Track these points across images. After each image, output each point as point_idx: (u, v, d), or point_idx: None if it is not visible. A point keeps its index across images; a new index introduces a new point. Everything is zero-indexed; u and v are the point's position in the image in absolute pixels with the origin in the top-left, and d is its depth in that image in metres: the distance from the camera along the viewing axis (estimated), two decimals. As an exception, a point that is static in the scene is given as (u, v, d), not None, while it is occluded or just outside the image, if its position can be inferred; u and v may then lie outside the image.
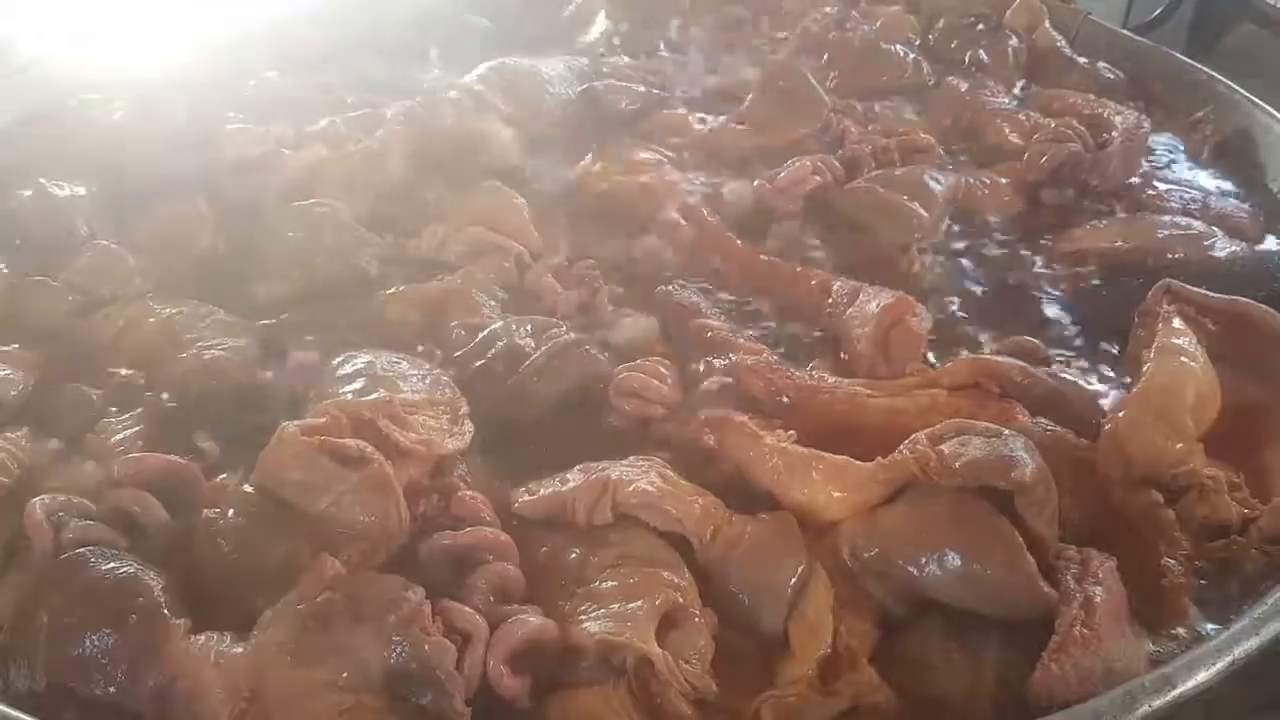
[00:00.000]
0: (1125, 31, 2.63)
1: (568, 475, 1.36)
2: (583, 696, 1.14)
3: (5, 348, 1.58)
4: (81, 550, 1.18)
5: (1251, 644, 1.18)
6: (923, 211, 1.89)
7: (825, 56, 2.43)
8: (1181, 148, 2.25)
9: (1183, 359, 1.43)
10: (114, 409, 1.48)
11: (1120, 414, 1.40)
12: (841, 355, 1.62)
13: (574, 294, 1.73)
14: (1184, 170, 2.18)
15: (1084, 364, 1.65)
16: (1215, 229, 1.91)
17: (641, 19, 2.68)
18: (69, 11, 2.64)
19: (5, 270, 1.73)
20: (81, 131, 2.05)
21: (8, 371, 1.52)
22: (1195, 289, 1.57)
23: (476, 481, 1.37)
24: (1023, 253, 1.91)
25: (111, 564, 1.16)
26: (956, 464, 1.22)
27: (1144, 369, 1.44)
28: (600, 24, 2.57)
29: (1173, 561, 1.32)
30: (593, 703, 1.13)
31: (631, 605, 1.18)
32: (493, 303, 1.70)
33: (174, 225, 1.83)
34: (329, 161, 1.93)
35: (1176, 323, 1.49)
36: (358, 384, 1.39)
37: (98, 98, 2.13)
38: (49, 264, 1.73)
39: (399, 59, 2.44)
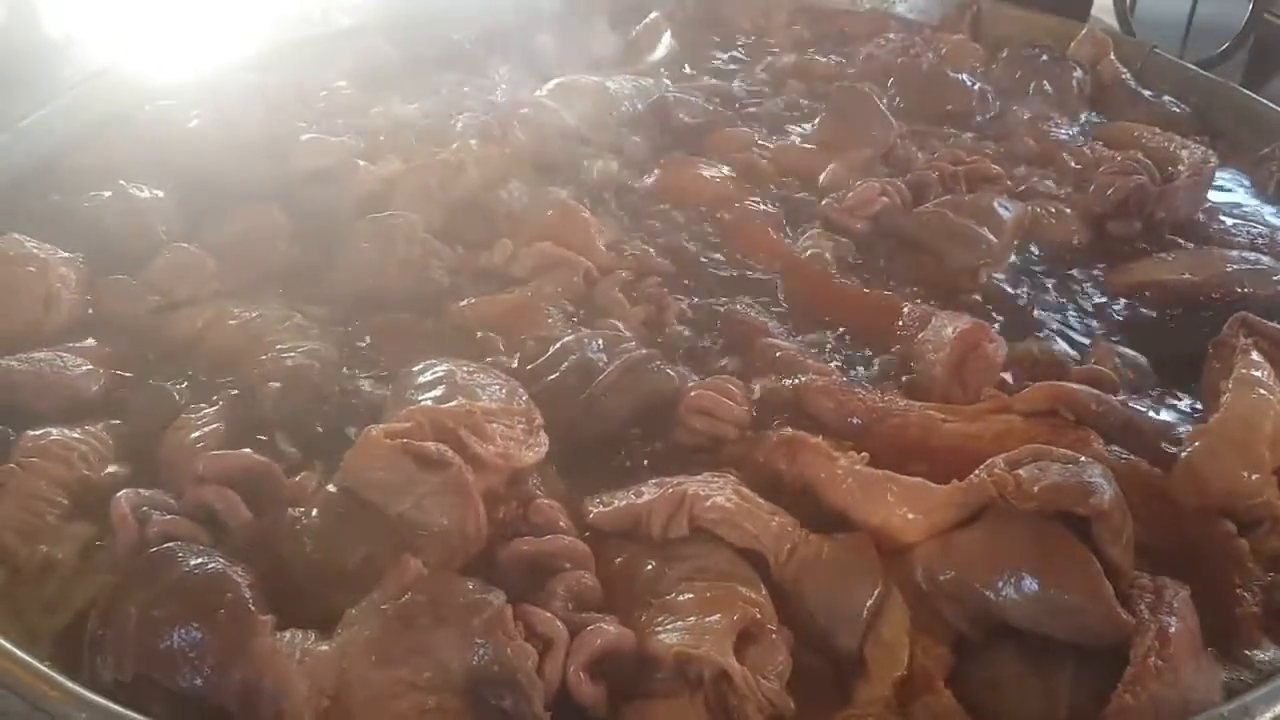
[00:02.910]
0: (1191, 66, 2.62)
1: (642, 488, 1.36)
2: (659, 708, 1.15)
3: (85, 343, 1.61)
4: (170, 545, 1.20)
5: (1332, 676, 1.17)
6: (991, 237, 1.90)
7: (890, 81, 2.44)
8: (1248, 182, 2.25)
9: (1261, 391, 1.43)
10: (194, 406, 1.50)
11: (1197, 444, 1.40)
12: (913, 378, 1.62)
13: (641, 309, 1.75)
14: (1251, 205, 2.18)
15: (1153, 394, 1.65)
16: (1283, 263, 1.91)
17: (707, 40, 2.70)
18: (144, 18, 2.70)
19: (85, 269, 1.75)
20: (159, 136, 2.08)
21: (88, 366, 1.55)
22: (1270, 323, 1.57)
23: (548, 493, 1.38)
24: (1089, 283, 1.91)
25: (199, 559, 1.17)
26: (1035, 488, 1.22)
27: (1221, 400, 1.44)
28: (666, 44, 2.59)
29: (1245, 592, 1.31)
30: (671, 714, 1.14)
31: (709, 619, 1.18)
32: (562, 317, 1.71)
33: (251, 230, 1.85)
34: (403, 174, 1.96)
35: (1255, 355, 1.49)
36: (438, 391, 1.40)
37: (174, 103, 2.17)
38: (128, 264, 1.76)
39: (468, 76, 2.47)
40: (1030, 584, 1.19)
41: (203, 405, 1.49)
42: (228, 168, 2.00)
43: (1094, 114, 2.50)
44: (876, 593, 1.23)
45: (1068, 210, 2.05)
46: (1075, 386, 1.47)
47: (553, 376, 1.53)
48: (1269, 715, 1.12)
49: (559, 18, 2.72)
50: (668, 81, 2.48)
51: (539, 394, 1.49)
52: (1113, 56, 2.60)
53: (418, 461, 1.24)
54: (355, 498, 1.25)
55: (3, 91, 2.47)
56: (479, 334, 1.66)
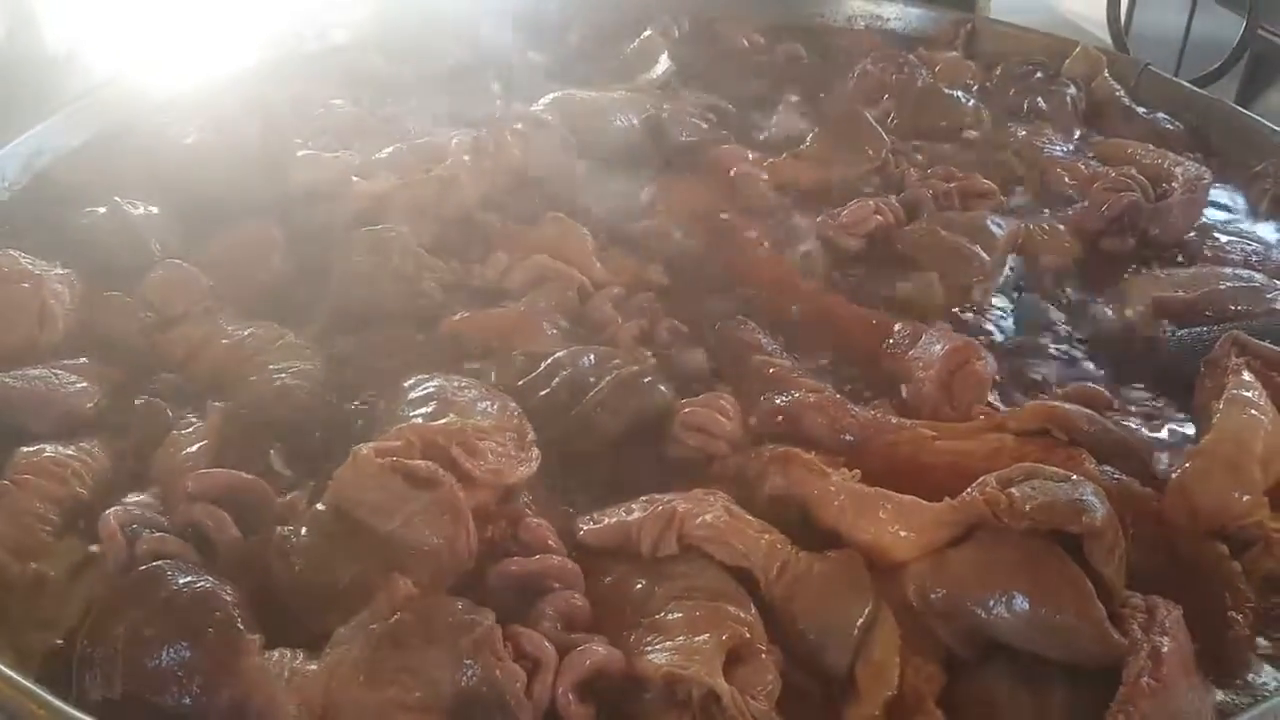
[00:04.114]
0: (1186, 83, 2.63)
1: (632, 506, 1.36)
2: (649, 728, 1.14)
3: (80, 361, 1.60)
4: (158, 563, 1.20)
5: (1323, 698, 1.17)
6: (984, 254, 1.90)
7: (885, 97, 2.45)
8: (1242, 200, 2.25)
9: (1253, 411, 1.43)
10: (185, 423, 1.50)
11: (1188, 464, 1.40)
12: (902, 396, 1.62)
13: (634, 324, 1.75)
14: (1245, 222, 2.18)
15: (1145, 413, 1.65)
16: (1277, 282, 1.91)
17: (703, 58, 2.71)
18: (141, 34, 2.70)
19: (79, 285, 1.75)
20: (155, 152, 2.08)
21: (83, 384, 1.55)
22: (1262, 342, 1.57)
23: (538, 510, 1.38)
24: (1082, 300, 1.91)
25: (188, 578, 1.17)
26: (1028, 507, 1.21)
27: (1213, 419, 1.44)
28: (663, 63, 2.59)
29: (1237, 614, 1.31)
30: (660, 735, 1.13)
31: (698, 638, 1.18)
32: (554, 332, 1.71)
33: (245, 247, 1.86)
34: (398, 189, 1.96)
35: (1246, 375, 1.48)
36: (429, 407, 1.40)
37: (170, 119, 2.17)
38: (122, 280, 1.76)
39: (463, 92, 2.47)
40: (1022, 603, 1.19)
41: (194, 422, 1.49)
42: (223, 183, 2.00)
43: (1088, 131, 2.50)
44: (867, 611, 1.23)
45: (1061, 227, 2.05)
46: (1067, 406, 1.47)
47: (544, 392, 1.53)
48: (1261, 736, 1.12)
49: (555, 34, 2.73)
50: (665, 95, 2.48)
51: (530, 410, 1.49)
52: (1106, 74, 2.59)
53: (408, 480, 1.24)
54: (345, 516, 1.25)
55: (2, 106, 2.47)
56: (471, 349, 1.66)
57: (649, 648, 1.19)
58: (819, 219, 2.01)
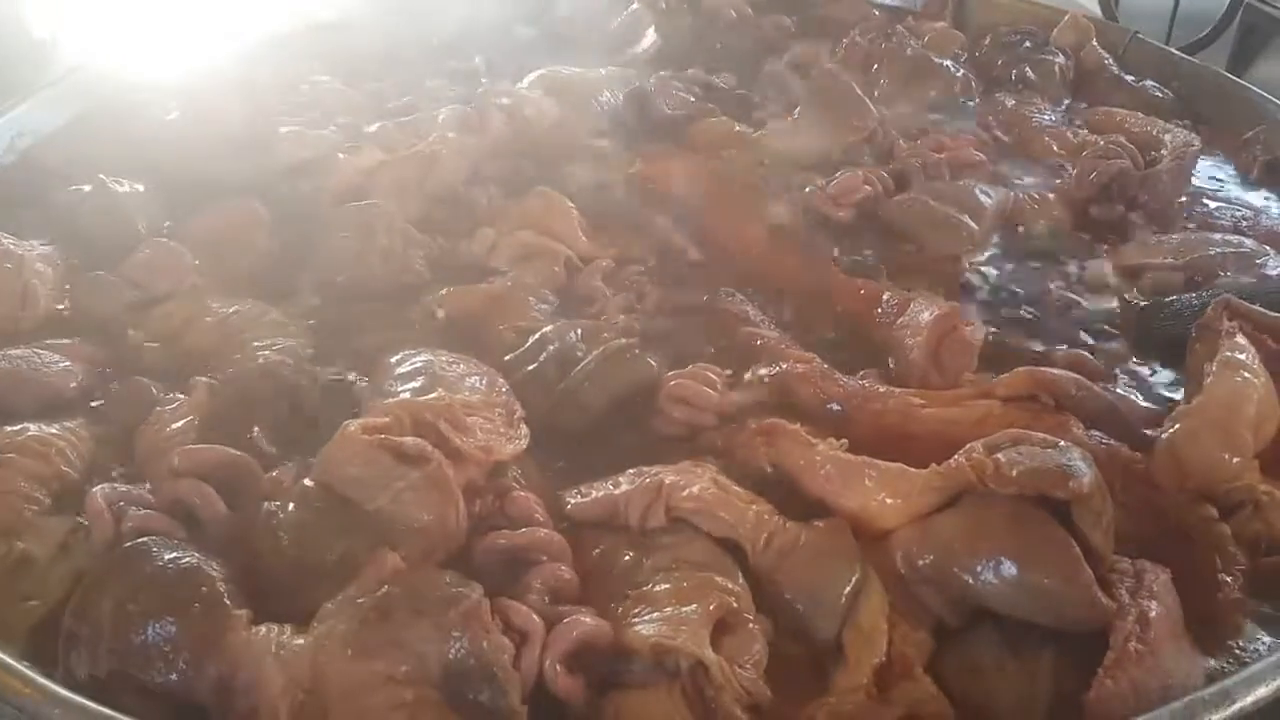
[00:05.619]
0: (1174, 51, 2.62)
1: (620, 478, 1.36)
2: (637, 698, 1.14)
3: (64, 340, 1.60)
4: (144, 539, 1.19)
5: (1313, 660, 1.16)
6: (973, 224, 1.89)
7: (875, 67, 2.44)
8: (1231, 166, 2.25)
9: (1244, 374, 1.42)
10: (169, 398, 1.49)
11: (1178, 426, 1.39)
12: (890, 365, 1.61)
13: (621, 298, 1.74)
14: (1234, 188, 2.18)
15: (1134, 379, 1.65)
16: (1267, 247, 1.91)
17: (690, 31, 2.69)
18: (120, 13, 2.68)
19: (63, 264, 1.74)
20: (138, 131, 2.07)
21: (67, 363, 1.54)
22: (1254, 306, 1.56)
23: (528, 484, 1.37)
24: (1071, 268, 1.91)
25: (174, 554, 1.17)
26: (1014, 472, 1.21)
27: (1204, 382, 1.43)
28: (649, 37, 2.58)
29: (1227, 576, 1.31)
30: (648, 705, 1.13)
31: (685, 609, 1.17)
32: (542, 306, 1.71)
33: (230, 224, 1.84)
34: (383, 165, 1.95)
35: (1239, 339, 1.47)
36: (416, 383, 1.39)
37: (154, 96, 2.15)
38: (107, 259, 1.75)
39: (448, 68, 2.46)
40: (1009, 568, 1.18)
41: (179, 399, 1.48)
42: (208, 161, 1.98)
43: (1077, 100, 2.49)
44: (855, 579, 1.22)
45: (1050, 196, 2.05)
46: (1055, 372, 1.47)
47: (531, 367, 1.53)
48: (1249, 700, 1.11)
49: (540, 10, 2.71)
50: (651, 70, 2.46)
51: (517, 384, 1.48)
52: (1095, 42, 2.59)
53: (397, 456, 1.23)
54: (332, 492, 1.24)
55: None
56: (458, 324, 1.65)
57: (637, 619, 1.19)
58: (807, 190, 1.99)
